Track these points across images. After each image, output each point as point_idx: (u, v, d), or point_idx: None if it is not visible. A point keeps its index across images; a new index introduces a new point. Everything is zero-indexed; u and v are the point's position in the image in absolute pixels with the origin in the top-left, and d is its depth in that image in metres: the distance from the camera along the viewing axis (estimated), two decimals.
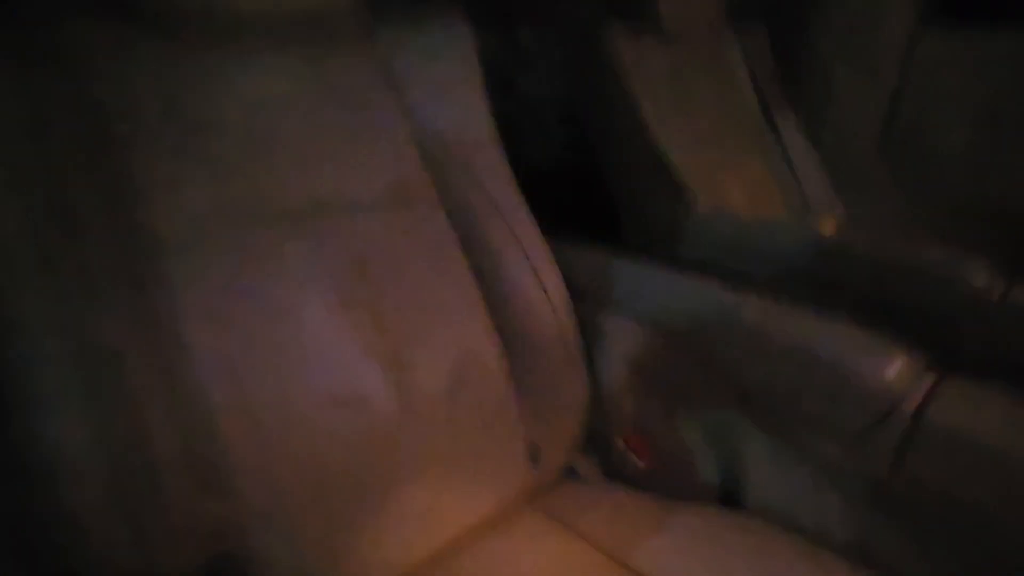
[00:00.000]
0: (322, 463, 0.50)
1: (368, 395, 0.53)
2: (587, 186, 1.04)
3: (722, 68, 1.15)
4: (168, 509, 0.43)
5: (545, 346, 0.65)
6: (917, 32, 1.20)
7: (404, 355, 0.56)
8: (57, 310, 0.41)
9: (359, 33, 0.61)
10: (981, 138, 1.14)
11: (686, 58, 1.06)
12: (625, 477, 0.73)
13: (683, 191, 0.93)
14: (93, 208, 0.44)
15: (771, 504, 0.61)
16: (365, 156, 0.59)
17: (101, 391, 0.41)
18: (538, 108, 1.07)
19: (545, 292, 0.65)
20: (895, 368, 0.51)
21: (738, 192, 1.05)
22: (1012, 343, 0.66)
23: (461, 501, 0.59)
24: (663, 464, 0.70)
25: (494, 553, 0.58)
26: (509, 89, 1.04)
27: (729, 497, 0.65)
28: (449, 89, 0.67)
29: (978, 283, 0.70)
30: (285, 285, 0.51)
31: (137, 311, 0.44)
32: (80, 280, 0.42)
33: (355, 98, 0.60)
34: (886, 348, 0.53)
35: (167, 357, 0.44)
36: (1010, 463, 0.46)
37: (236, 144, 0.52)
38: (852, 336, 0.56)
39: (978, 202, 1.12)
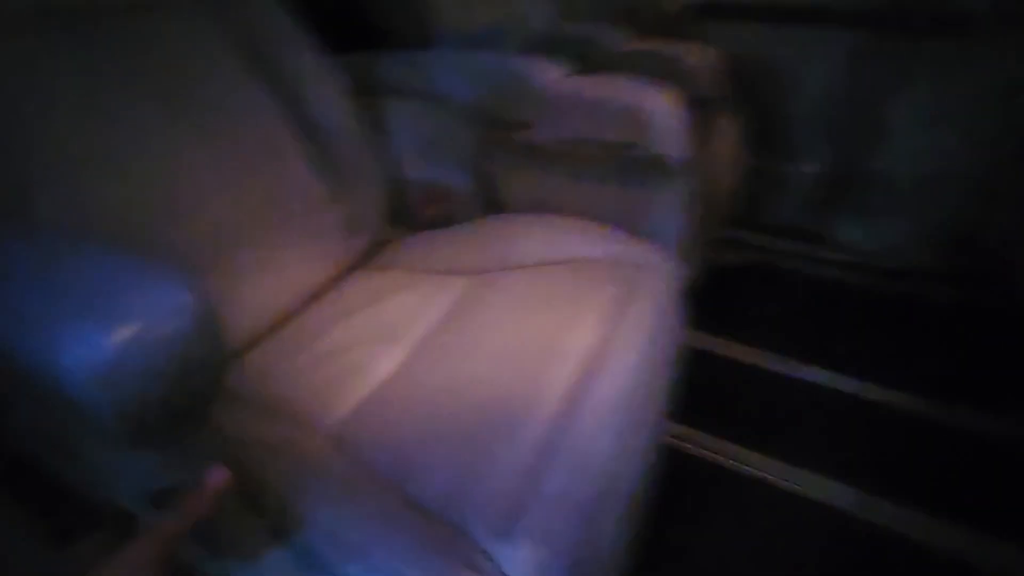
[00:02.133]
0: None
1: (205, 199, 0.67)
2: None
3: None
4: None
5: (338, 134, 0.81)
6: None
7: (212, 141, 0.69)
8: None
9: None
10: None
11: None
12: (423, 227, 0.98)
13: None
14: None
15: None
16: None
17: None
18: None
19: (332, 94, 0.79)
20: None
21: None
22: None
23: (305, 265, 0.78)
24: (449, 207, 0.97)
25: (337, 299, 0.80)
26: None
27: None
28: None
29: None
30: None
31: None
32: None
33: None
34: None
35: None
36: None
37: None
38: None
39: None
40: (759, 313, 1.39)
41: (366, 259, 0.89)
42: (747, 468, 0.98)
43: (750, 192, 1.66)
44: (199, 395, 0.35)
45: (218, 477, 0.36)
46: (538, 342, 0.61)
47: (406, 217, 0.99)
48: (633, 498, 0.57)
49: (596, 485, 0.51)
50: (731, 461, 1.00)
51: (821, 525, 0.90)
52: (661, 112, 0.71)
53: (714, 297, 1.36)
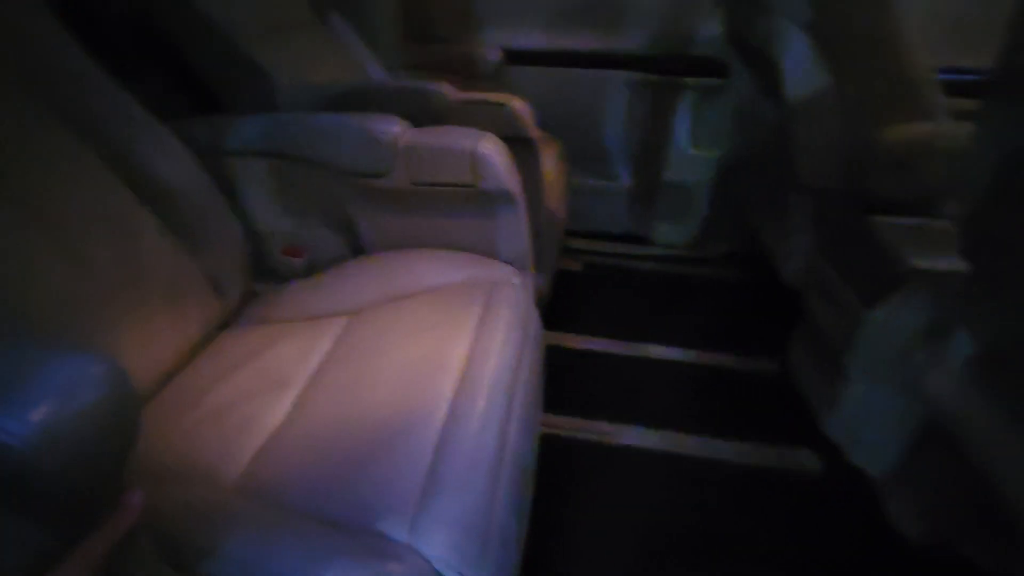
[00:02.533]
0: None
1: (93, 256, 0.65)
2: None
3: None
4: None
5: (186, 194, 0.82)
6: None
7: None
8: None
9: None
10: None
11: None
12: (291, 277, 1.02)
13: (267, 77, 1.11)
14: None
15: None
16: None
17: None
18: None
19: (174, 157, 0.80)
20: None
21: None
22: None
23: (174, 330, 0.77)
24: (312, 254, 1.01)
25: (215, 358, 0.81)
26: None
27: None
28: None
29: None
30: None
31: None
32: None
33: None
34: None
35: None
36: None
37: None
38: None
39: None
40: (599, 307, 1.63)
41: (236, 315, 0.90)
42: (609, 439, 1.17)
43: (581, 208, 1.93)
44: (121, 457, 0.38)
45: (135, 498, 0.39)
46: (421, 361, 0.70)
47: (271, 270, 1.01)
48: (521, 481, 0.68)
49: (490, 473, 0.61)
50: (595, 436, 1.17)
51: (675, 471, 1.11)
52: (491, 156, 0.86)
53: (562, 299, 1.57)
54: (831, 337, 1.08)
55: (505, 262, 0.94)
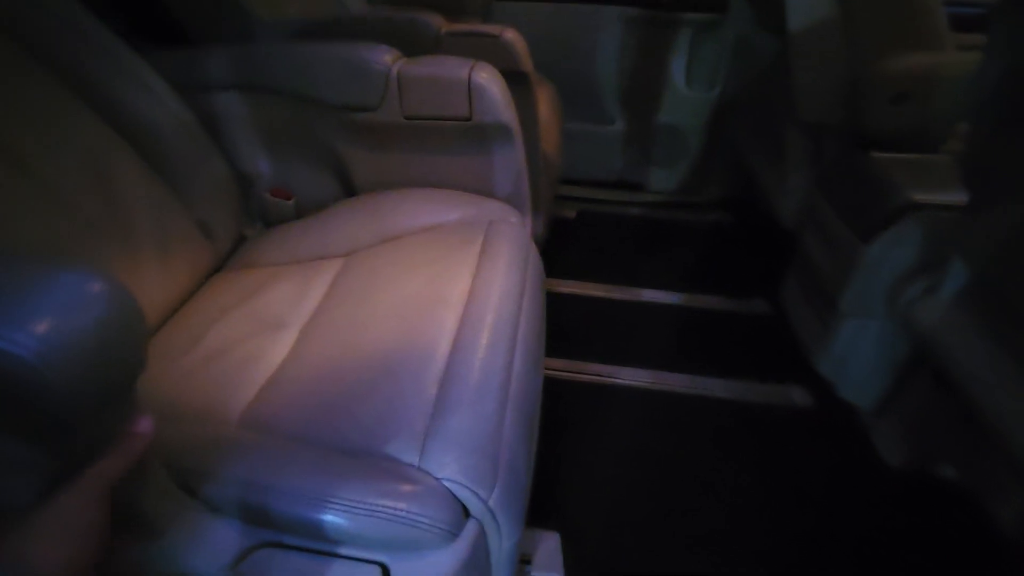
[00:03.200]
0: None
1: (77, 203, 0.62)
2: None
3: None
4: None
5: (169, 134, 0.78)
6: None
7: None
8: None
9: None
10: None
11: None
12: (280, 219, 0.99)
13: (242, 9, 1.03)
14: None
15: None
16: None
17: None
18: None
19: (157, 94, 0.75)
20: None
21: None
22: None
23: (164, 276, 0.75)
24: (302, 196, 0.98)
25: (208, 301, 0.79)
26: None
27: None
28: None
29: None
30: None
31: None
32: None
33: None
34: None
35: None
36: None
37: None
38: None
39: None
40: (593, 254, 1.62)
41: (228, 259, 0.88)
42: (603, 379, 1.19)
43: (575, 154, 1.89)
44: (129, 377, 0.37)
45: (145, 424, 0.39)
46: (420, 298, 0.69)
47: (261, 212, 0.98)
48: (528, 412, 0.68)
49: (497, 399, 0.61)
50: (590, 376, 1.19)
51: (667, 407, 1.14)
52: (488, 86, 0.82)
53: (556, 246, 1.55)
54: (826, 274, 1.09)
55: (502, 201, 0.91)
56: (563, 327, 1.31)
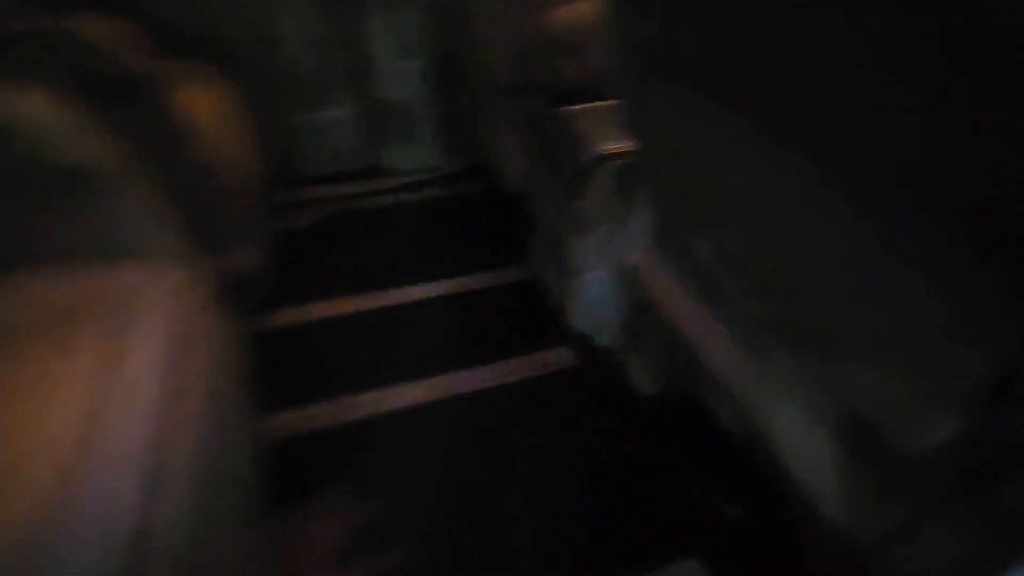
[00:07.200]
0: None
1: None
2: None
3: None
4: None
5: None
6: None
7: None
8: None
9: None
10: None
11: None
12: None
13: None
14: None
15: None
16: None
17: None
18: None
19: None
20: None
21: None
22: None
23: None
24: None
25: None
26: None
27: None
28: None
29: None
30: None
31: None
32: None
33: None
34: None
35: None
36: None
37: None
38: None
39: None
40: (343, 261, 1.45)
41: None
42: (371, 410, 1.05)
43: (301, 149, 1.66)
44: None
45: None
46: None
47: None
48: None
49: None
50: (353, 414, 1.04)
51: (448, 416, 1.06)
52: (36, 115, 0.58)
53: (290, 265, 1.35)
54: (555, 234, 1.10)
55: (141, 259, 0.69)
56: (312, 364, 1.14)
